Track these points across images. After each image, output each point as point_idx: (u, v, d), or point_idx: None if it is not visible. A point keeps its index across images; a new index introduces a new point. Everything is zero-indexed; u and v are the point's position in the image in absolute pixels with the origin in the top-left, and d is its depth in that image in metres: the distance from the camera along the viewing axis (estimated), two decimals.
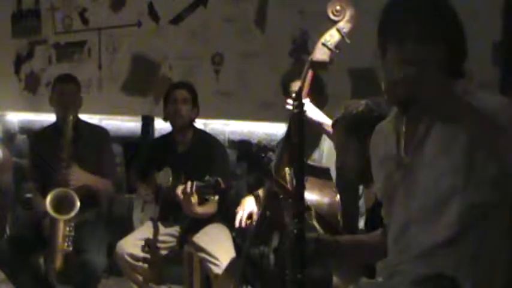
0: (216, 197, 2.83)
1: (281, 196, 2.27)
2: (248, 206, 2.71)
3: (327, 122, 2.41)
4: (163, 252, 3.11)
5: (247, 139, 3.67)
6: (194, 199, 2.82)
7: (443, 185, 1.36)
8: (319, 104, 2.54)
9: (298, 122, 1.56)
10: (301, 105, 1.58)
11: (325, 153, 2.65)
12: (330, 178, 2.41)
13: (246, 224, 2.67)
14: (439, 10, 1.41)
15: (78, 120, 3.32)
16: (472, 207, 1.33)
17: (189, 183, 2.78)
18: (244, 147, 2.18)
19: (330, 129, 2.36)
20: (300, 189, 1.57)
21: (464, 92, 1.37)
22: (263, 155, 2.16)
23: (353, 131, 2.01)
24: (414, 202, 1.43)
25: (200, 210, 2.91)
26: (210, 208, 3.01)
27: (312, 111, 2.44)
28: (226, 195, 3.01)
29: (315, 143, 2.69)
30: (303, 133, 1.55)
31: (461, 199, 1.33)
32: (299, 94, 1.63)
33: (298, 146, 1.55)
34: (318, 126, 2.46)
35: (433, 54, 1.37)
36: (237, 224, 2.70)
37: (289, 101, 2.39)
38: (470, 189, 1.33)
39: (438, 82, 1.35)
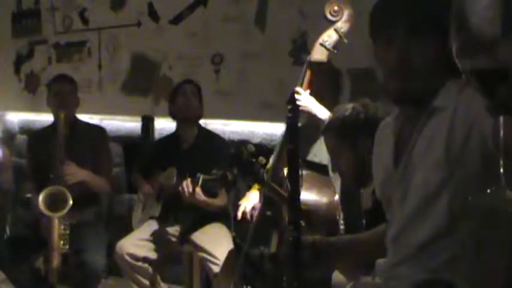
0: (223, 190, 2.85)
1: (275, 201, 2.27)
2: (252, 199, 2.72)
3: (323, 114, 2.40)
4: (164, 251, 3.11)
5: (247, 139, 3.67)
6: (198, 189, 2.83)
7: (431, 182, 1.35)
8: (332, 102, 2.53)
9: (292, 128, 1.55)
10: (296, 109, 1.57)
11: (325, 147, 2.64)
12: (327, 175, 2.41)
13: (248, 216, 2.67)
14: (432, 2, 1.40)
15: (76, 120, 3.33)
16: (459, 201, 1.32)
17: (189, 178, 2.79)
18: (235, 153, 2.17)
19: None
20: (295, 196, 1.56)
21: (456, 93, 1.37)
22: (254, 160, 2.15)
23: (342, 136, 2.02)
24: (408, 203, 1.43)
25: (207, 199, 2.91)
26: (218, 201, 3.03)
27: (310, 103, 2.41)
28: (233, 188, 3.02)
29: (315, 137, 2.69)
30: (296, 139, 1.55)
31: (447, 194, 1.33)
32: (294, 97, 1.63)
33: (292, 152, 1.54)
34: (315, 118, 2.42)
35: (423, 47, 1.36)
36: (239, 215, 2.70)
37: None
38: (455, 184, 1.32)
39: (427, 75, 1.36)
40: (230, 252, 2.82)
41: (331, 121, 2.09)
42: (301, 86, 2.40)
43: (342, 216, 2.26)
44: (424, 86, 1.38)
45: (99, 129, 3.44)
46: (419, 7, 1.37)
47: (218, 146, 3.20)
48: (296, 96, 2.36)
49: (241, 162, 2.17)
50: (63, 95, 3.24)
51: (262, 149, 3.48)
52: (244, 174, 2.25)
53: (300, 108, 2.35)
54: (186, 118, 3.20)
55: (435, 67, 1.38)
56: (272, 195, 2.27)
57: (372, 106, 2.04)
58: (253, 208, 2.69)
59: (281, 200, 2.21)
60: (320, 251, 1.64)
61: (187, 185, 2.82)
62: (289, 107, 1.60)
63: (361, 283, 1.67)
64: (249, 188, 2.92)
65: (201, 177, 2.77)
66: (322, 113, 2.41)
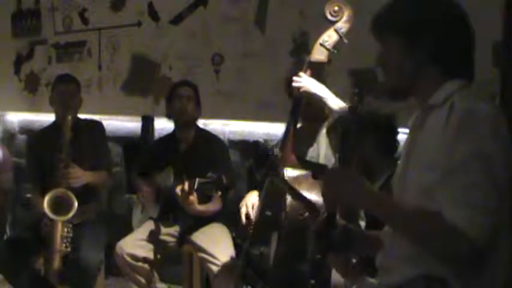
0: (219, 193, 2.85)
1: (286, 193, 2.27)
2: (251, 199, 2.71)
3: (329, 96, 2.41)
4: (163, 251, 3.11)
5: (248, 139, 3.67)
6: (193, 197, 2.82)
7: (424, 181, 1.36)
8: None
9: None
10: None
11: (323, 148, 2.65)
12: None
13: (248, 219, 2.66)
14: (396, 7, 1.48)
15: (78, 119, 3.32)
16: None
17: (187, 182, 2.78)
18: (252, 144, 2.20)
19: (330, 104, 2.38)
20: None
21: (450, 92, 1.38)
22: (270, 153, 2.17)
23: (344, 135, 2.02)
24: (404, 200, 1.44)
25: (202, 207, 2.91)
26: (213, 206, 3.01)
27: (314, 86, 2.41)
28: (228, 191, 3.02)
29: (312, 139, 2.69)
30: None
31: (440, 191, 1.33)
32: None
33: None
34: (320, 101, 2.43)
35: (387, 46, 1.48)
36: (243, 219, 2.68)
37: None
38: (447, 182, 1.32)
39: (400, 73, 1.45)
40: (231, 255, 2.83)
41: (333, 121, 2.09)
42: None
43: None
44: (398, 83, 1.47)
45: (95, 124, 3.43)
46: (383, 11, 1.49)
47: (216, 147, 3.20)
48: (295, 78, 2.39)
49: (257, 153, 2.18)
50: (67, 95, 3.24)
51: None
52: (259, 165, 2.25)
53: (301, 90, 2.38)
54: (182, 121, 3.20)
55: (408, 66, 1.44)
56: (284, 187, 2.27)
57: (374, 105, 2.04)
58: (253, 207, 2.69)
59: (289, 192, 2.21)
60: (351, 236, 1.65)
61: (183, 189, 2.81)
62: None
63: (365, 284, 1.67)
64: (253, 186, 2.90)
65: (197, 180, 2.76)
66: (322, 91, 2.41)
